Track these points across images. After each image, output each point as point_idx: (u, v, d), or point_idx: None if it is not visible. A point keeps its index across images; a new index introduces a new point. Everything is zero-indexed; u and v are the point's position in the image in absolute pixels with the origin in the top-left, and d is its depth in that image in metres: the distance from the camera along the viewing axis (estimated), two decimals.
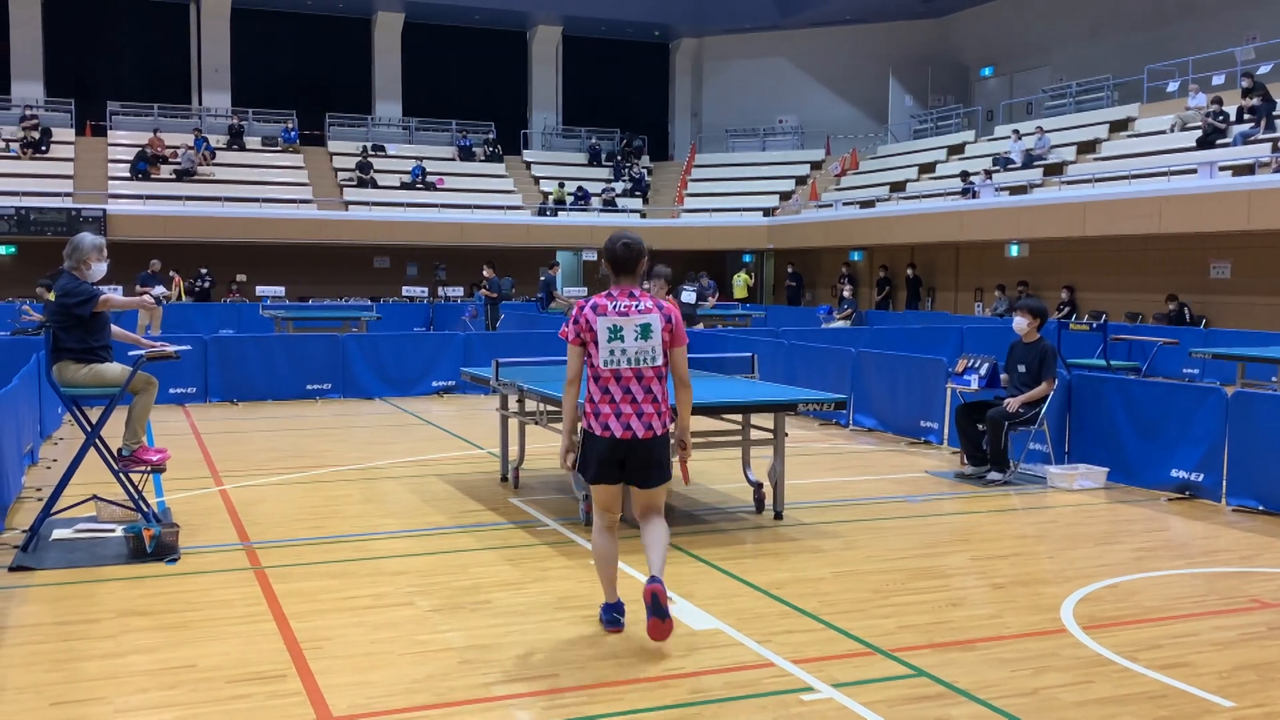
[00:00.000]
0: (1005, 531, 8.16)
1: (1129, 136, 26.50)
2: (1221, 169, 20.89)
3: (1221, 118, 22.95)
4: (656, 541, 5.58)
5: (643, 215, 36.09)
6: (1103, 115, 28.17)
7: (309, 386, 15.58)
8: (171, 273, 27.48)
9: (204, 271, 29.73)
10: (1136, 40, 29.76)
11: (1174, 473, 9.30)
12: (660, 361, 5.49)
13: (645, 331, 5.43)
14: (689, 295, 21.37)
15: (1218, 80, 25.46)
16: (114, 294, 7.41)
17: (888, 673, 5.15)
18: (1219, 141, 22.55)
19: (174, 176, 32.31)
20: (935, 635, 5.69)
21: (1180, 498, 9.15)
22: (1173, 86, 26.65)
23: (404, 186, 34.63)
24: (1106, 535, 7.99)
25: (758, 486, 8.58)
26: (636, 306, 5.45)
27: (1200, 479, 9.09)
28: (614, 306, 5.45)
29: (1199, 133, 23.25)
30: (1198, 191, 20.67)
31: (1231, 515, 8.61)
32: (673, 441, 5.71)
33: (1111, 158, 25.49)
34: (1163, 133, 25.05)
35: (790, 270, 33.78)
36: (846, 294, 26.98)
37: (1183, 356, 17.62)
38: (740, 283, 34.18)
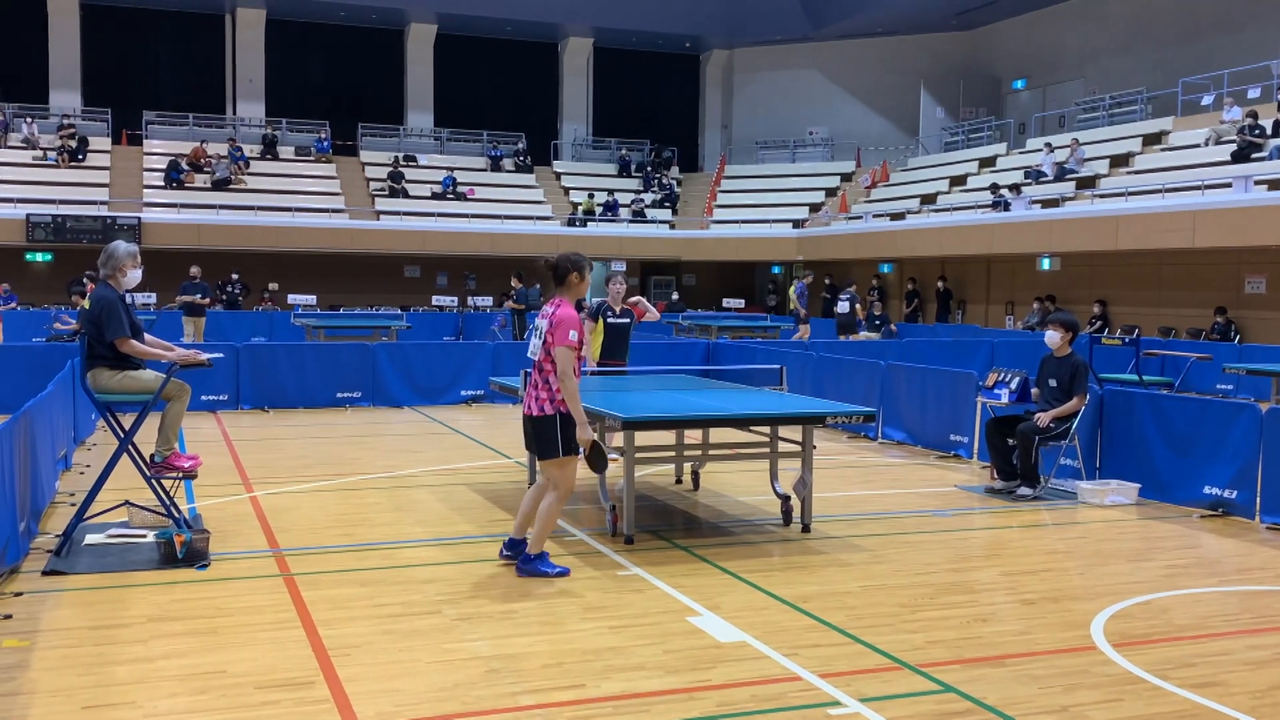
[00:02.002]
0: (1035, 547, 8.10)
1: (1163, 150, 26.29)
2: (1257, 183, 20.69)
3: (1257, 131, 22.74)
4: (536, 516, 6.93)
5: (672, 226, 36.12)
6: (1136, 128, 27.97)
7: (339, 394, 15.68)
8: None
9: (235, 277, 29.91)
10: (1171, 53, 29.54)
11: (1207, 489, 9.20)
12: (540, 357, 6.82)
13: (539, 332, 6.89)
14: (844, 306, 22.12)
15: (1253, 93, 25.23)
16: (138, 343, 7.45)
17: (915, 688, 5.13)
18: (1254, 155, 22.34)
19: (208, 186, 32.61)
20: (964, 651, 5.65)
21: (1213, 515, 9.06)
22: (1207, 100, 26.43)
23: (435, 197, 34.82)
24: (1138, 552, 7.92)
25: (785, 499, 8.55)
26: (547, 312, 6.88)
27: (1234, 496, 8.99)
28: (543, 311, 6.95)
29: (1234, 146, 23.04)
30: (1232, 206, 20.48)
31: (1265, 533, 8.51)
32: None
33: (1145, 171, 25.30)
34: (1197, 146, 24.84)
35: (828, 282, 33.64)
36: (877, 311, 26.87)
37: (1216, 372, 17.44)
38: (793, 296, 34.12)
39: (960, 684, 5.16)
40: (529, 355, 7.00)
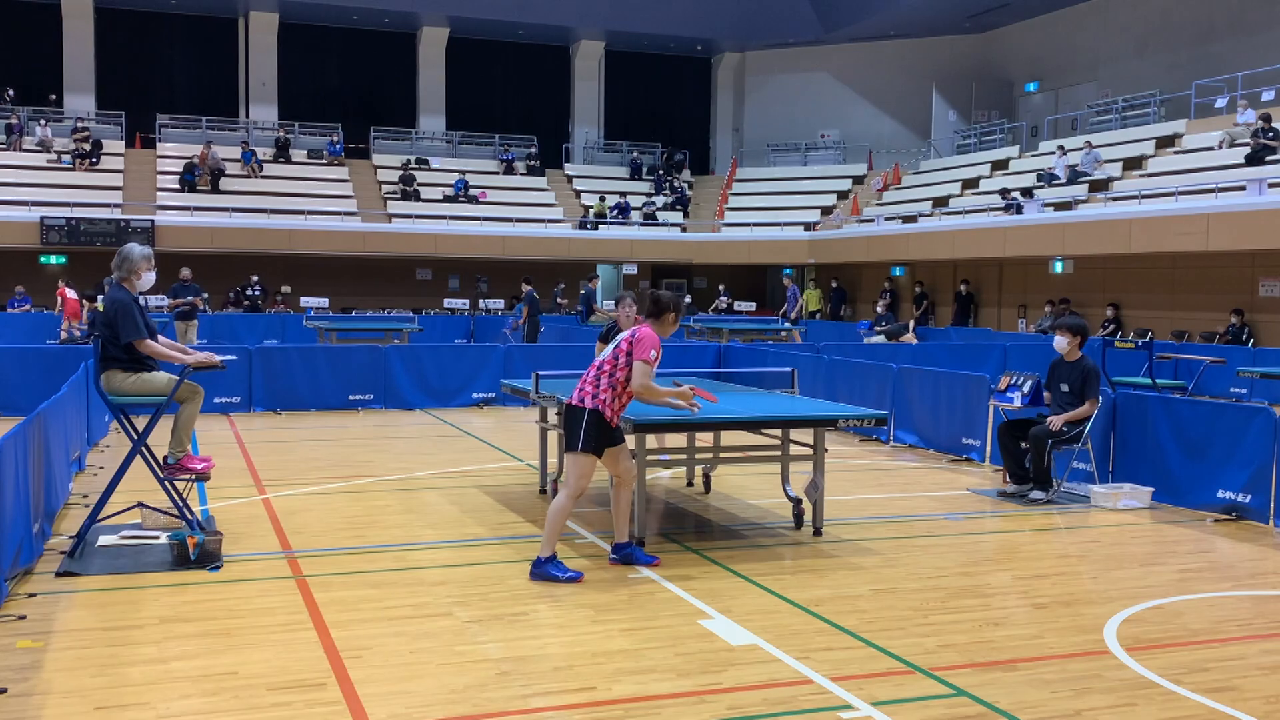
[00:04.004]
0: (1048, 551, 8.08)
1: (1176, 153, 26.20)
2: (1271, 186, 20.59)
3: (1271, 134, 22.64)
4: (547, 515, 7.04)
5: (683, 229, 36.11)
6: (1149, 131, 27.87)
7: (351, 397, 15.71)
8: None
9: (254, 280, 30.01)
10: (1184, 56, 29.44)
11: (1220, 493, 9.16)
12: (605, 359, 7.06)
13: (615, 343, 7.17)
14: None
15: (1267, 96, 25.12)
16: (155, 344, 7.49)
17: (927, 692, 5.12)
18: (1268, 158, 22.25)
19: (216, 188, 32.66)
20: (976, 655, 5.64)
21: (1227, 519, 9.02)
22: (1221, 102, 26.32)
23: (447, 200, 34.88)
24: (1151, 556, 7.89)
25: (797, 502, 8.54)
26: (631, 330, 7.22)
27: (1248, 500, 8.95)
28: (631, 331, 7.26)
29: (1247, 149, 22.95)
30: (1246, 209, 20.39)
31: (1279, 537, 8.48)
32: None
33: (1158, 174, 25.21)
34: (1211, 149, 24.74)
35: (834, 285, 33.66)
36: (880, 309, 26.85)
37: (1230, 375, 17.37)
38: (811, 298, 34.27)
39: (972, 688, 5.15)
40: (598, 356, 7.39)
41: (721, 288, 33.02)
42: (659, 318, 7.19)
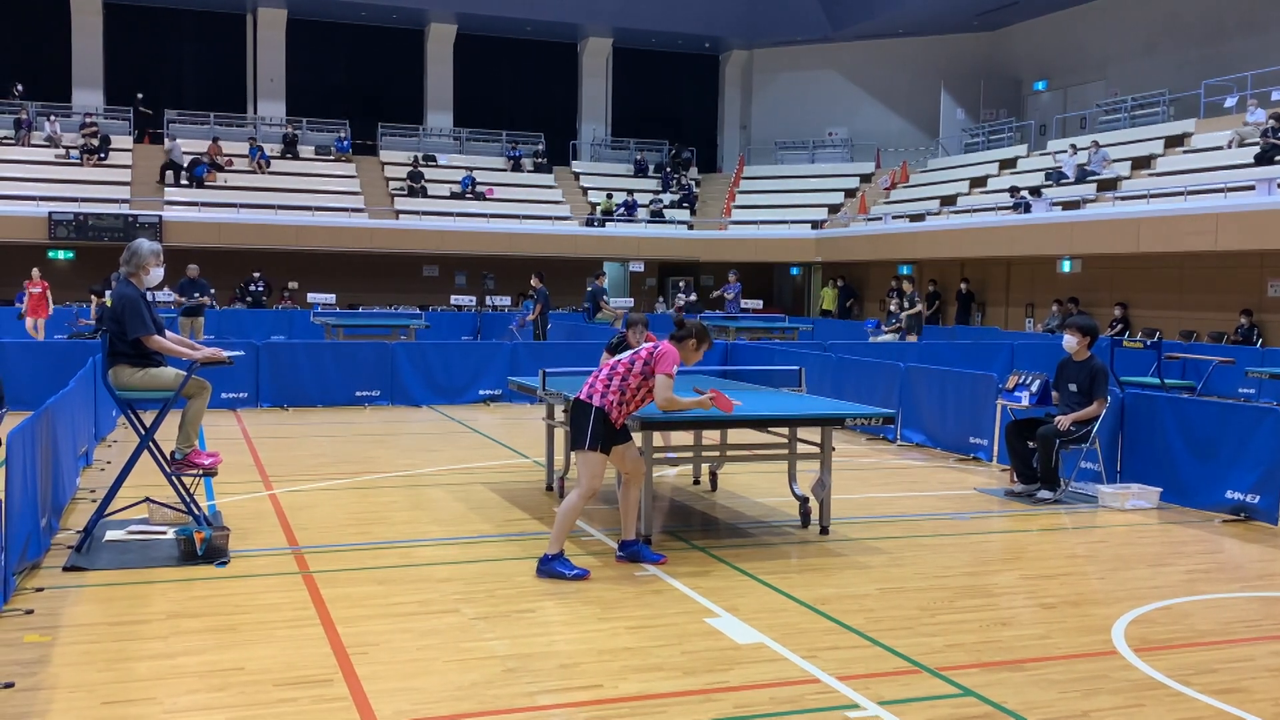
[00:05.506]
0: (1055, 551, 8.06)
1: (1185, 152, 26.12)
2: None
3: None
4: (557, 514, 7.04)
5: (690, 227, 36.09)
6: (1158, 130, 27.79)
7: (358, 393, 15.72)
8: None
9: (256, 275, 30.05)
10: (1193, 55, 29.34)
11: (1229, 494, 9.13)
12: (620, 362, 7.13)
13: (632, 351, 7.30)
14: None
15: (1277, 95, 25.02)
16: (163, 339, 7.49)
17: (934, 691, 5.10)
18: (1278, 158, 22.17)
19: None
20: (983, 654, 5.62)
21: (1235, 520, 8.99)
22: (1230, 102, 26.24)
23: (454, 196, 34.89)
24: (1159, 556, 7.87)
25: (804, 501, 8.53)
26: (653, 342, 7.33)
27: (1256, 501, 8.92)
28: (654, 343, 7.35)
29: (1257, 149, 22.88)
30: (1255, 208, 20.33)
31: None
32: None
33: (1167, 173, 25.14)
34: (1220, 148, 24.66)
35: (841, 283, 33.63)
36: (893, 308, 26.82)
37: (1239, 376, 17.31)
38: (826, 297, 34.32)
39: (979, 688, 5.13)
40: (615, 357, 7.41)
41: (682, 284, 32.75)
42: (681, 342, 7.24)
